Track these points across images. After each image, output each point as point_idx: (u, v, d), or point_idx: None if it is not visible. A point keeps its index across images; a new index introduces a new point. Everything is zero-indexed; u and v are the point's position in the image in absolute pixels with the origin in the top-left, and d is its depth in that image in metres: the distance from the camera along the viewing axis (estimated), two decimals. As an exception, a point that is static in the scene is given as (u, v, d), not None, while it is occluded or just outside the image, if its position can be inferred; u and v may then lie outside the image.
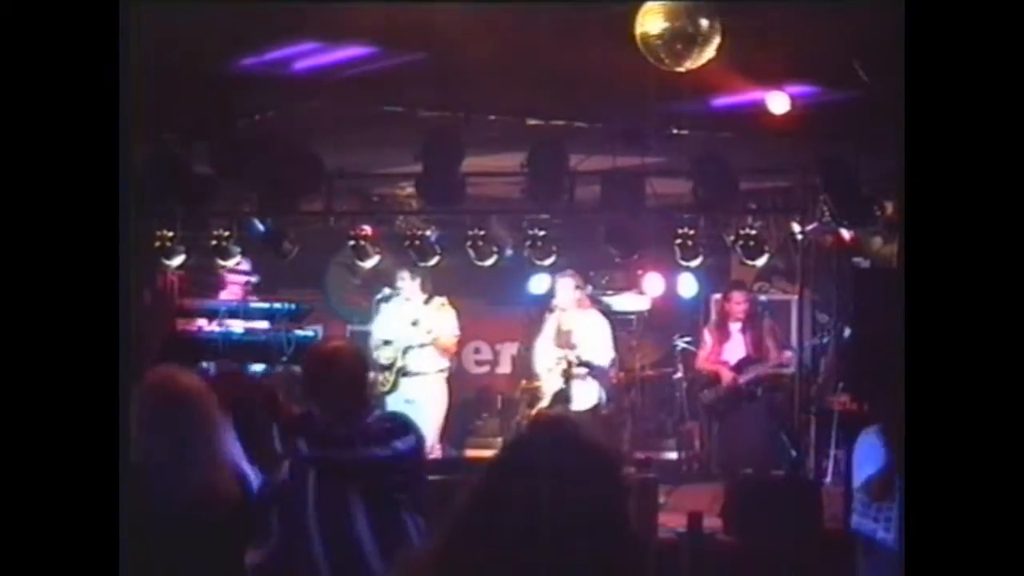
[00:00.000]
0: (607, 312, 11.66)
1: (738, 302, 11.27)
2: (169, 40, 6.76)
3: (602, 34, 7.17)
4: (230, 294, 11.70)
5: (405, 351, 10.70)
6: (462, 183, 9.96)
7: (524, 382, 11.28)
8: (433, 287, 10.87)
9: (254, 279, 11.89)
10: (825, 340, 11.65)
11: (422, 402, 10.64)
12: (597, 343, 10.76)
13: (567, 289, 10.74)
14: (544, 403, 10.58)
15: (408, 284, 10.80)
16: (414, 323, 10.70)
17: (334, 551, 4.73)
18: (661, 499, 9.67)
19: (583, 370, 10.64)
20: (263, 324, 11.09)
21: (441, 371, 10.82)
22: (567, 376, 10.59)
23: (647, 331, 12.77)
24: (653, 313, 12.88)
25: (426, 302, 10.79)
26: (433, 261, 10.86)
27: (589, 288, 11.59)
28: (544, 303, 11.19)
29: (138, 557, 3.18)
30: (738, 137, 10.16)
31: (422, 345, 10.69)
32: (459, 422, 12.20)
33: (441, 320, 10.74)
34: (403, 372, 10.74)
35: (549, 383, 10.73)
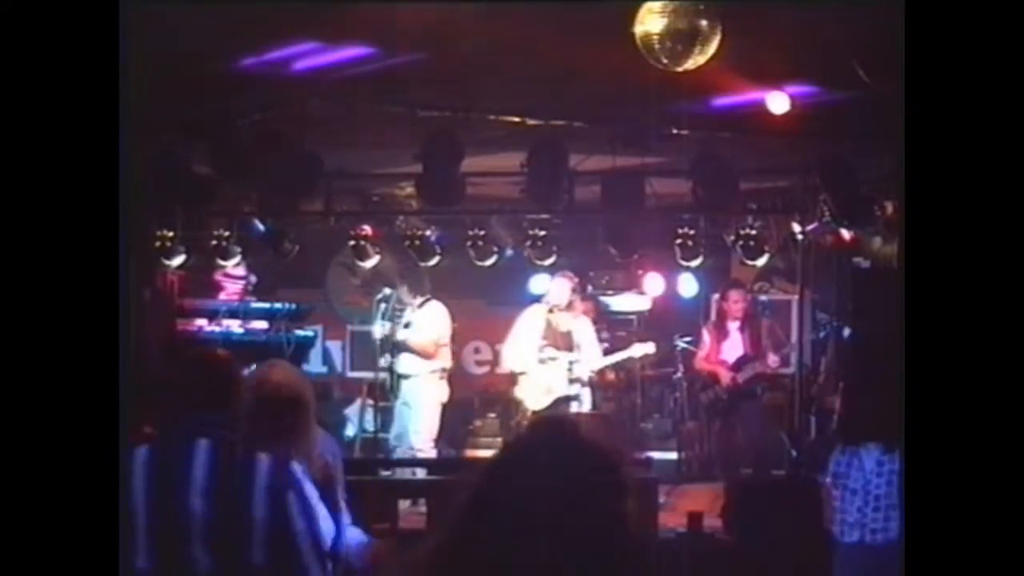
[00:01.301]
0: (601, 314, 11.64)
1: (735, 301, 11.28)
2: (169, 40, 6.76)
3: (602, 34, 7.17)
4: (229, 294, 11.68)
5: (393, 354, 10.67)
6: (462, 183, 9.94)
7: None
8: (426, 289, 10.80)
9: (253, 279, 11.86)
10: (823, 335, 11.65)
11: (415, 404, 10.60)
12: (593, 349, 10.76)
13: (563, 290, 10.65)
14: (542, 403, 10.54)
15: (400, 288, 10.77)
16: (407, 326, 10.67)
17: None
18: (661, 499, 9.66)
19: (589, 374, 10.63)
20: (263, 324, 11.08)
21: (433, 372, 10.68)
22: (570, 378, 10.56)
23: (647, 331, 12.75)
24: (653, 313, 12.87)
25: (420, 306, 10.73)
26: (433, 261, 10.84)
27: (589, 288, 11.57)
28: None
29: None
30: (738, 137, 10.16)
31: (403, 348, 10.64)
32: (459, 422, 12.17)
33: (423, 323, 10.68)
34: (397, 375, 10.70)
35: (539, 380, 10.64)
